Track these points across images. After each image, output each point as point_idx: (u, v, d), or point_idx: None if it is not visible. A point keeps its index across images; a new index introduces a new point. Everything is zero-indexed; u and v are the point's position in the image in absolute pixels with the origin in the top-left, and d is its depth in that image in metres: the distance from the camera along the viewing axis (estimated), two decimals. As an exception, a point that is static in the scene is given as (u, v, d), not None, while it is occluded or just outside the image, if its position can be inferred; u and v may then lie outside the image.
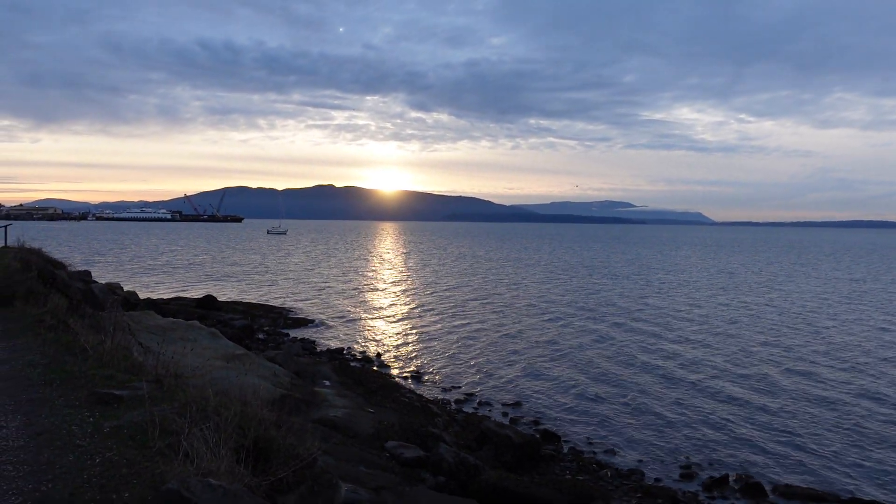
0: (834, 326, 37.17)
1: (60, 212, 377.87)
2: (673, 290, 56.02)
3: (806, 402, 21.73)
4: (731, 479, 15.39)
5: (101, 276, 47.29)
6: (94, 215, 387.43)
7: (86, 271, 33.67)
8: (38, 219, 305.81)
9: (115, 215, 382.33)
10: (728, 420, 19.90)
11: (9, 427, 6.67)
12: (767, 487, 14.92)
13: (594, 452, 17.25)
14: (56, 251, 33.38)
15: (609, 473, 15.56)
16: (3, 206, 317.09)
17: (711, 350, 30.04)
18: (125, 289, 36.73)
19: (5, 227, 36.73)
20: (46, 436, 6.40)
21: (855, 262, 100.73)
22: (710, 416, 20.21)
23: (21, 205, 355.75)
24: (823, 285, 61.92)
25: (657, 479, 15.50)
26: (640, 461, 16.67)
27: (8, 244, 29.85)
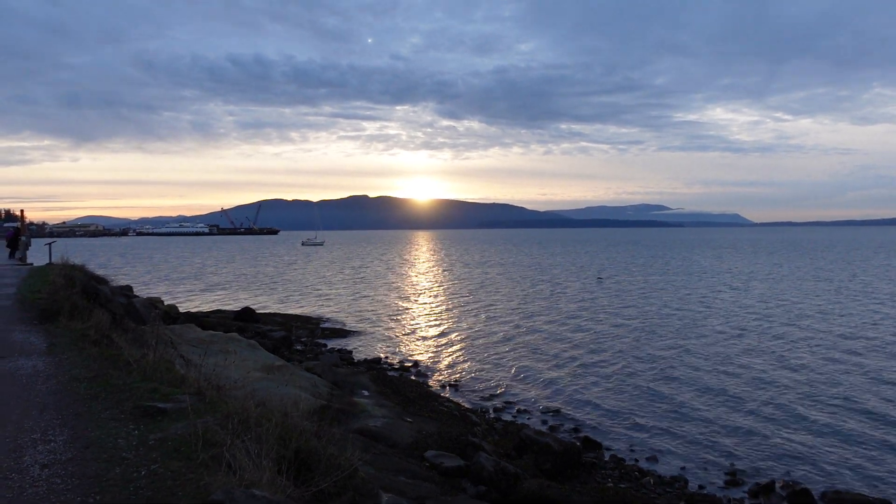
0: (883, 329, 36.31)
1: (102, 228, 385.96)
2: (711, 294, 55.20)
3: (852, 408, 21.19)
4: (777, 485, 15.06)
5: (142, 290, 48.10)
6: (134, 231, 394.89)
7: (127, 286, 34.28)
8: (81, 235, 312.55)
9: (155, 230, 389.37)
10: (773, 425, 19.48)
11: (57, 440, 6.78)
12: (816, 494, 14.55)
13: (636, 459, 17.02)
14: (98, 267, 34.03)
15: (651, 481, 15.34)
16: (47, 224, 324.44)
17: (755, 355, 29.48)
18: (165, 303, 37.31)
19: (49, 244, 37.62)
20: (93, 449, 6.50)
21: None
22: (755, 422, 19.81)
23: (64, 223, 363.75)
24: (869, 286, 60.55)
25: (701, 486, 15.24)
26: (683, 468, 16.40)
27: (52, 261, 30.47)
